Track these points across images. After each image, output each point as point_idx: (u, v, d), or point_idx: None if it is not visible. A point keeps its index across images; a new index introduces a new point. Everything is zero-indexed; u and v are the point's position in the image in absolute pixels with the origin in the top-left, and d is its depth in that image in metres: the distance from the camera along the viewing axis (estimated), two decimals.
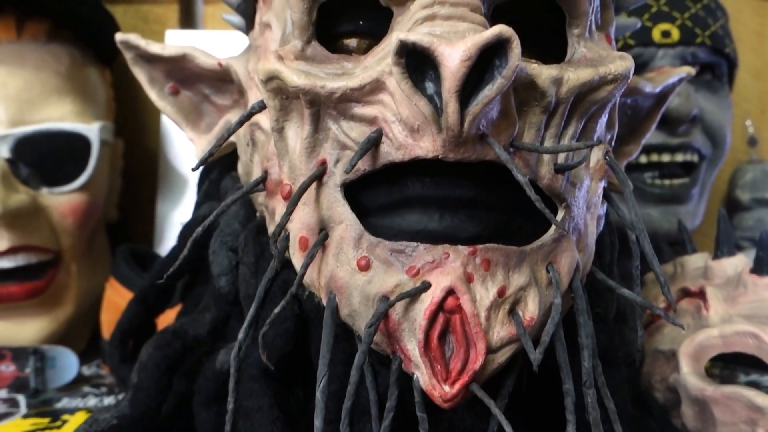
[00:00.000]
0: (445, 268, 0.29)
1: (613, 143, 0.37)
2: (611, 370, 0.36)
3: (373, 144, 0.30)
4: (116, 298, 0.66)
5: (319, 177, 0.32)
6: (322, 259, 0.33)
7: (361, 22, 0.34)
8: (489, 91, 0.27)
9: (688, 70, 0.48)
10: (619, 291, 0.34)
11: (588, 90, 0.32)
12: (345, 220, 0.32)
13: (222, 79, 0.45)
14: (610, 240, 0.39)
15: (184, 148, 0.82)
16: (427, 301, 0.29)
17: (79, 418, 0.55)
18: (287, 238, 0.35)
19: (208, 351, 0.43)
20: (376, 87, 0.30)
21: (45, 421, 0.54)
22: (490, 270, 0.30)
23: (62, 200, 0.66)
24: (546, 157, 0.31)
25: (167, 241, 0.81)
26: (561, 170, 0.31)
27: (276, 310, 0.32)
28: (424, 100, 0.28)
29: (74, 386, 0.62)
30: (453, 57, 0.26)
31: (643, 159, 0.64)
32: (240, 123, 0.35)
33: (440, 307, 0.29)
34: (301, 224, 0.33)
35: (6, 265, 0.63)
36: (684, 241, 0.54)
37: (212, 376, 0.41)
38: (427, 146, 0.29)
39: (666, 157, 0.64)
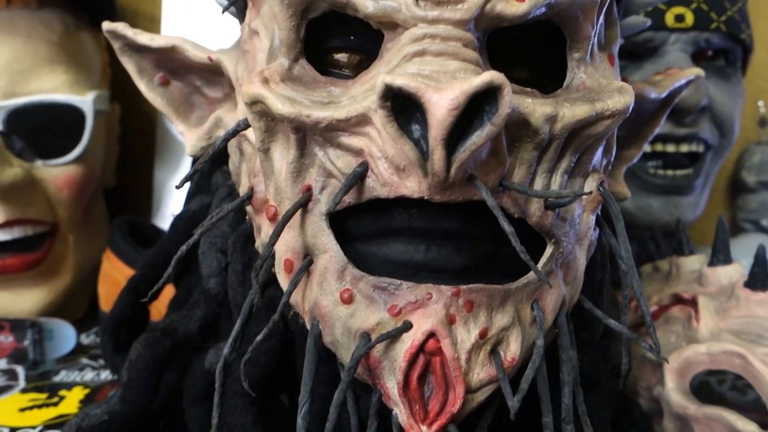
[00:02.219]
0: (427, 310, 0.29)
1: (610, 167, 0.36)
2: (594, 392, 0.37)
3: (358, 179, 0.29)
4: (113, 272, 0.67)
5: (304, 204, 0.32)
6: (306, 284, 0.33)
7: (352, 38, 0.33)
8: (477, 138, 0.26)
9: (697, 72, 0.46)
10: (605, 321, 0.34)
11: (584, 126, 0.31)
12: (329, 250, 0.31)
13: (213, 71, 0.44)
14: (601, 261, 0.38)
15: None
16: (408, 342, 0.29)
17: (76, 393, 0.56)
18: (273, 256, 0.34)
19: (198, 348, 0.44)
20: (362, 120, 0.29)
21: (42, 396, 0.55)
22: (472, 311, 0.30)
23: (57, 172, 0.65)
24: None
25: (165, 206, 0.81)
26: (551, 207, 0.31)
27: (258, 338, 0.32)
28: (410, 144, 0.27)
29: (73, 357, 0.64)
30: (440, 105, 0.25)
31: (647, 148, 0.62)
32: (225, 139, 0.34)
33: (421, 348, 0.29)
34: (286, 247, 0.33)
35: (2, 238, 0.63)
36: (681, 242, 0.53)
37: (201, 375, 0.42)
38: (412, 186, 0.29)
39: (671, 148, 0.62)
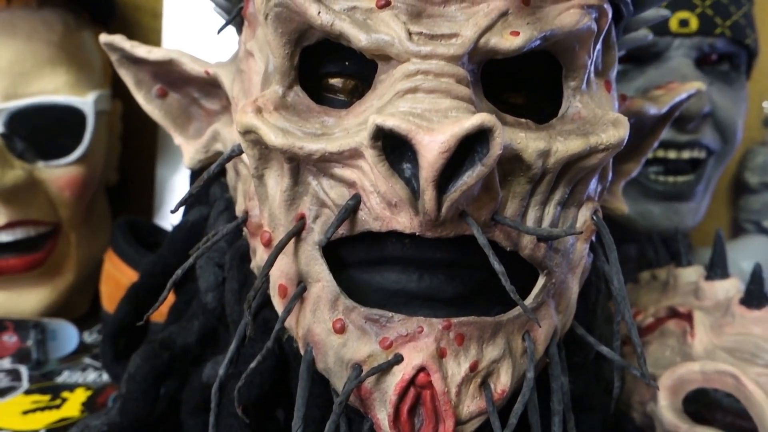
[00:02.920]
0: (418, 344, 0.29)
1: (605, 193, 0.36)
2: (586, 415, 0.37)
3: (350, 212, 0.29)
4: (115, 272, 0.67)
5: (297, 233, 0.32)
6: (300, 310, 0.33)
7: (347, 63, 0.33)
8: (468, 178, 0.26)
9: (698, 86, 0.46)
10: (597, 348, 0.34)
11: (577, 159, 0.30)
12: (322, 280, 0.31)
13: (211, 84, 0.44)
14: (596, 282, 0.38)
15: None
16: (399, 375, 0.29)
17: (78, 396, 0.57)
18: (267, 279, 0.34)
19: (196, 359, 0.44)
20: (355, 154, 0.29)
21: (45, 398, 0.56)
22: (463, 345, 0.30)
23: (59, 173, 0.65)
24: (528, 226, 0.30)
25: (167, 203, 0.81)
26: (544, 240, 0.31)
27: (252, 365, 0.32)
28: (401, 183, 0.27)
29: (76, 356, 0.64)
30: (431, 148, 0.25)
31: (649, 154, 0.62)
32: (220, 164, 0.34)
33: (411, 381, 0.29)
34: (280, 272, 0.33)
35: (4, 239, 0.63)
36: (680, 253, 0.53)
37: (198, 388, 0.42)
38: (404, 222, 0.29)
39: (672, 154, 0.62)
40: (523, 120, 0.31)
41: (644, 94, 0.62)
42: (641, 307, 0.54)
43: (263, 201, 0.33)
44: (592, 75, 0.33)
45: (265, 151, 0.32)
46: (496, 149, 0.26)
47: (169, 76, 0.45)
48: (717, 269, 0.48)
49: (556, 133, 0.31)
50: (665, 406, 0.42)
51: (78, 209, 0.69)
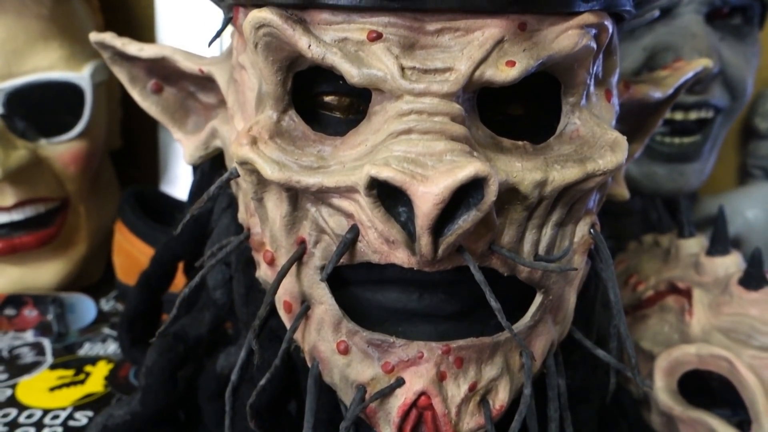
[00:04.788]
0: (419, 369, 0.30)
1: (604, 198, 0.36)
2: (583, 405, 0.39)
3: (349, 246, 0.30)
4: (125, 244, 0.69)
5: (299, 257, 0.32)
6: (305, 327, 0.34)
7: (341, 82, 0.32)
8: (464, 222, 0.26)
9: (705, 63, 0.45)
10: (594, 351, 0.35)
11: (574, 184, 0.30)
12: (325, 303, 0.32)
13: (206, 79, 0.43)
14: (594, 282, 0.39)
15: None
16: (401, 398, 0.31)
17: (100, 369, 0.60)
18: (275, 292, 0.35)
19: (209, 348, 0.46)
20: (351, 189, 0.29)
21: (70, 373, 0.59)
22: (462, 367, 0.31)
23: (62, 149, 0.66)
24: (526, 249, 0.31)
25: (172, 166, 0.81)
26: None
27: (262, 383, 0.34)
28: (397, 227, 0.27)
29: (95, 326, 0.67)
30: (426, 199, 0.25)
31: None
32: (219, 186, 0.35)
33: (413, 404, 0.31)
34: (284, 290, 0.34)
35: (16, 218, 0.64)
36: (682, 223, 0.53)
37: (213, 378, 0.44)
38: (402, 258, 0.29)
39: (679, 115, 0.61)
40: (520, 143, 0.31)
41: (651, 54, 0.60)
42: (642, 277, 0.54)
43: (264, 221, 0.34)
44: (591, 88, 0.32)
45: (262, 179, 0.32)
46: (490, 196, 0.26)
47: (164, 71, 0.44)
48: (718, 245, 0.49)
49: (553, 159, 0.30)
50: (661, 388, 0.44)
51: (84, 182, 0.69)
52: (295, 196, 0.31)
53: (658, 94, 0.42)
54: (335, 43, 0.29)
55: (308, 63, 0.30)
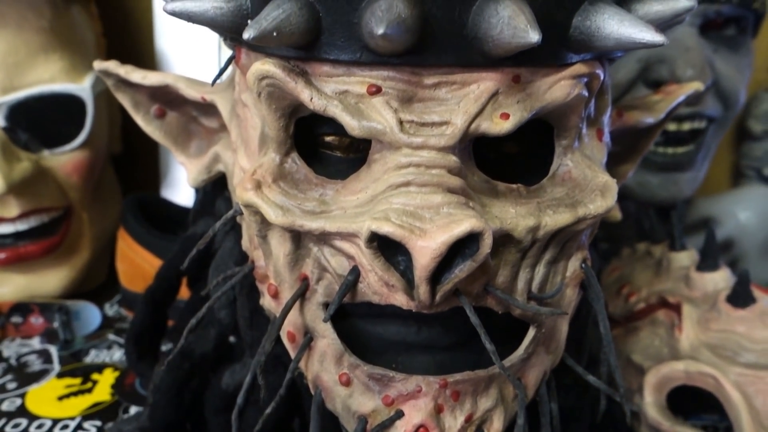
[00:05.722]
0: (417, 402, 0.32)
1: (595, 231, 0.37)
2: (575, 425, 0.40)
3: (351, 287, 0.31)
4: (128, 252, 0.70)
5: (302, 293, 0.34)
6: (308, 358, 0.36)
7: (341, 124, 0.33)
8: (460, 272, 0.28)
9: (696, 86, 0.46)
10: (585, 377, 0.37)
11: (565, 227, 0.32)
12: (327, 337, 0.34)
13: (208, 105, 0.44)
14: (586, 304, 0.40)
15: (183, 71, 0.80)
16: (401, 430, 0.32)
17: (107, 377, 0.61)
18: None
19: (214, 364, 0.48)
20: (353, 234, 0.30)
21: (77, 381, 0.60)
22: (459, 400, 0.32)
23: (64, 159, 0.67)
24: (519, 288, 0.32)
25: (172, 170, 0.82)
26: (534, 299, 0.32)
27: (267, 411, 0.35)
28: (396, 275, 0.28)
29: (100, 332, 0.68)
30: (424, 253, 0.27)
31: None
32: (224, 222, 0.36)
33: None
34: (288, 321, 0.35)
35: (20, 228, 0.65)
36: (674, 236, 0.55)
37: (219, 394, 0.46)
38: (401, 300, 0.30)
39: (672, 126, 0.62)
40: (514, 186, 0.32)
41: (645, 66, 0.61)
42: (635, 288, 0.56)
43: (268, 257, 0.35)
44: (584, 129, 0.33)
45: (266, 220, 0.33)
46: (485, 249, 0.27)
47: (166, 97, 0.45)
48: (708, 261, 0.50)
49: (546, 203, 0.31)
50: (650, 403, 0.45)
51: (87, 190, 0.70)
52: (298, 236, 0.33)
53: (650, 119, 0.43)
54: (336, 95, 0.30)
55: (310, 111, 0.31)
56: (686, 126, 0.62)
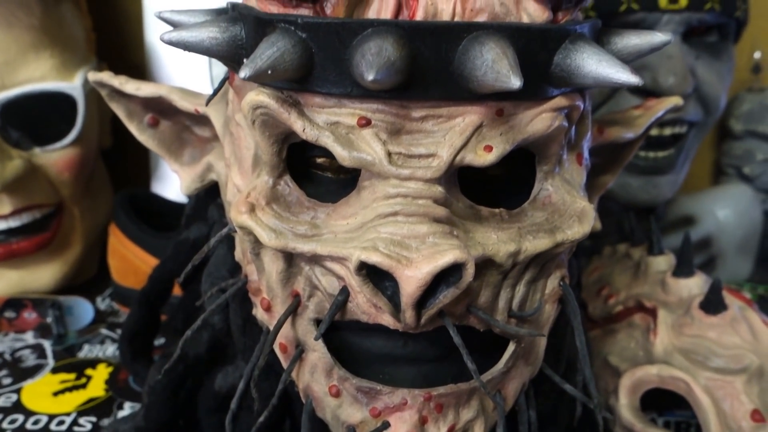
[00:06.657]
0: (403, 414, 0.34)
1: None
2: (552, 428, 0.43)
3: (340, 307, 0.33)
4: (119, 247, 0.71)
5: (294, 309, 0.35)
6: (299, 368, 0.37)
7: None
8: (444, 297, 0.29)
9: (675, 101, 0.47)
10: (563, 386, 0.39)
11: (544, 251, 0.33)
12: (318, 351, 0.35)
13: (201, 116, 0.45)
14: (564, 316, 0.42)
15: (173, 64, 0.80)
16: None
17: (101, 372, 0.63)
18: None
19: (208, 366, 0.49)
20: (343, 258, 0.32)
21: (71, 377, 0.62)
22: (442, 412, 0.34)
23: (56, 157, 0.67)
24: (500, 306, 0.34)
25: (163, 165, 0.83)
26: (514, 317, 0.34)
27: (261, 419, 0.37)
28: (384, 300, 0.30)
29: (93, 327, 0.70)
30: (410, 282, 0.28)
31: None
32: (218, 241, 0.37)
33: None
34: (280, 333, 0.37)
35: (13, 225, 0.66)
36: (652, 241, 0.57)
37: (212, 396, 0.48)
38: (389, 321, 0.32)
39: (654, 131, 0.63)
40: (497, 211, 0.34)
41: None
42: (614, 290, 0.58)
43: (261, 272, 0.36)
44: (564, 155, 0.35)
45: (259, 241, 0.34)
46: (467, 277, 0.29)
47: (160, 106, 0.46)
48: (683, 267, 0.52)
49: (526, 229, 0.33)
50: (624, 405, 0.47)
51: (78, 186, 0.71)
52: (290, 255, 0.34)
53: (630, 134, 0.45)
54: (328, 126, 0.31)
55: (302, 138, 0.32)
56: (668, 131, 0.64)
